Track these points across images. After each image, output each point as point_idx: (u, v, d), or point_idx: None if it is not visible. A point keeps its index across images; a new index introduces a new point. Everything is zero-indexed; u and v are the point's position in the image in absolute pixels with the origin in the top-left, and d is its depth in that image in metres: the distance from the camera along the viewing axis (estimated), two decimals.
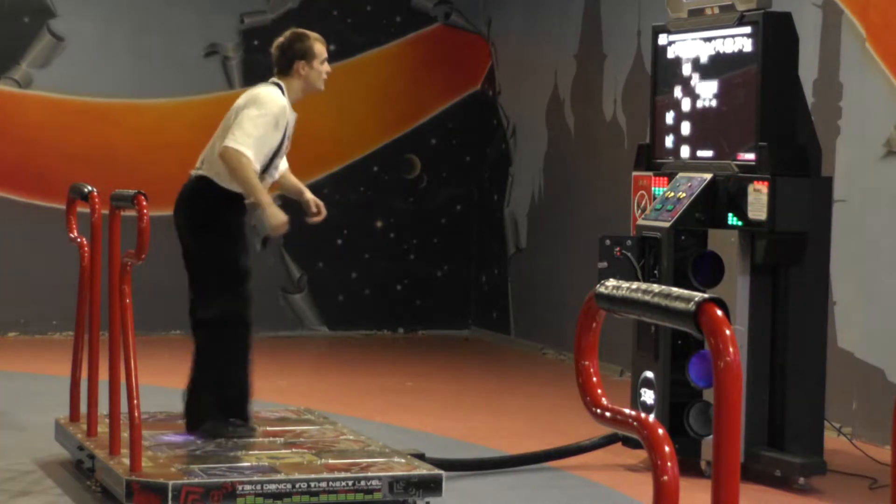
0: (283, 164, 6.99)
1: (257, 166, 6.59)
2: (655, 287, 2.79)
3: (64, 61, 11.63)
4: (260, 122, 6.58)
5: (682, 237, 6.99)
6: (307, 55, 6.79)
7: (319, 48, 6.83)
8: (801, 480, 6.76)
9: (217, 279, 6.70)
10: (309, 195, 7.01)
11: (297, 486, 5.86)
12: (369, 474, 6.00)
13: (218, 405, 6.72)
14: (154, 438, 6.58)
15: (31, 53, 11.59)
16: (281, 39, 6.89)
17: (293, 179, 7.14)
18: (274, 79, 6.83)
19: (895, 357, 7.79)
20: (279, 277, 12.09)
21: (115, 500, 6.07)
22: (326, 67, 6.87)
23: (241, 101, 6.76)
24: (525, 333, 11.78)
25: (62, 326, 11.33)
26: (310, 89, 6.84)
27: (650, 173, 7.48)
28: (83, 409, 6.94)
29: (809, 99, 7.88)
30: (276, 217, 6.61)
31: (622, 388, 7.64)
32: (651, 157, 7.54)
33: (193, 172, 6.81)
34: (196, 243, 6.76)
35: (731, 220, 6.93)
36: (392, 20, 12.42)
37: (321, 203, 7.00)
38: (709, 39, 7.20)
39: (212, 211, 6.72)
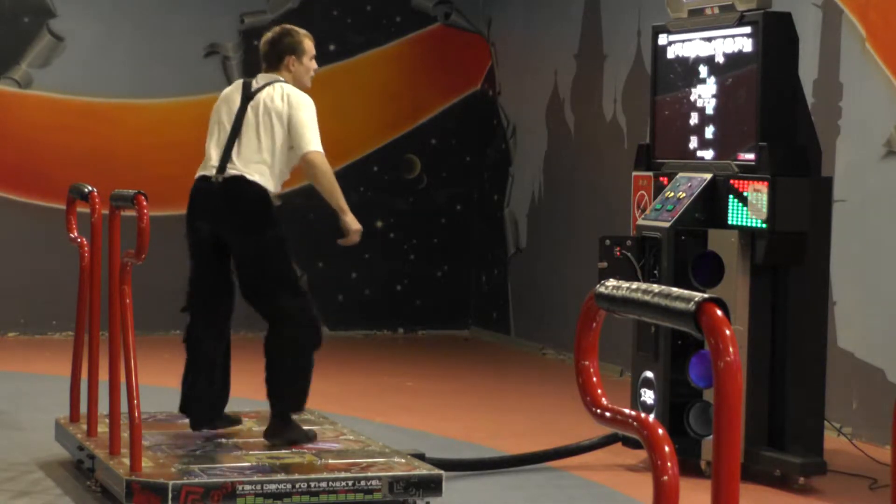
0: None
1: (293, 160, 6.66)
2: (655, 287, 2.79)
3: (64, 61, 11.63)
4: (314, 117, 6.64)
5: (682, 237, 6.99)
6: (297, 51, 6.79)
7: (308, 44, 6.84)
8: (801, 480, 6.77)
9: (288, 279, 6.64)
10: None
11: (297, 486, 5.86)
12: (369, 474, 6.00)
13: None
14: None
15: (31, 53, 11.59)
16: (270, 34, 6.88)
17: None
18: (277, 77, 6.75)
19: (895, 357, 7.79)
20: None
21: (115, 500, 6.07)
22: (314, 64, 6.88)
23: (280, 105, 6.63)
24: (525, 333, 11.78)
25: (62, 326, 11.33)
26: (297, 86, 6.78)
27: (650, 173, 7.48)
28: (83, 409, 6.93)
29: (809, 99, 7.88)
30: (356, 223, 6.69)
31: (622, 388, 7.64)
32: (651, 157, 7.54)
33: (221, 176, 6.61)
34: (257, 246, 6.60)
35: (731, 220, 6.94)
36: (392, 20, 12.42)
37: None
38: (709, 39, 7.20)
39: (265, 211, 6.64)
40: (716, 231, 6.97)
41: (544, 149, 11.55)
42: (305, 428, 6.68)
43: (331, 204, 6.67)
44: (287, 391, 6.61)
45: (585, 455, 7.24)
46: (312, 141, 6.59)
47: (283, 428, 6.58)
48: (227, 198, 6.59)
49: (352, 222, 6.67)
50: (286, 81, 6.75)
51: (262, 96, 6.67)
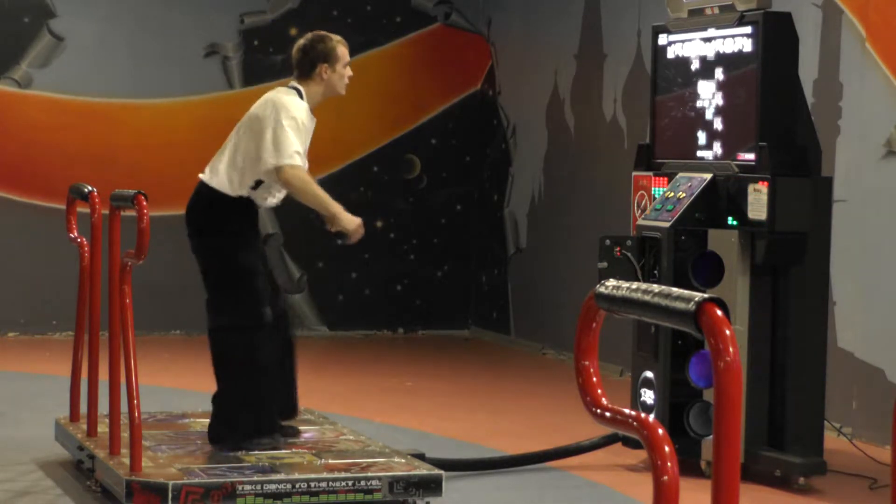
0: None
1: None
2: (655, 287, 2.79)
3: (64, 61, 11.63)
4: (294, 130, 6.38)
5: (682, 237, 6.99)
6: (330, 58, 6.55)
7: (343, 51, 6.60)
8: (801, 480, 6.77)
9: (229, 284, 6.54)
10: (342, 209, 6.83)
11: (297, 486, 5.86)
12: (369, 474, 6.00)
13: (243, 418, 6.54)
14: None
15: (31, 53, 11.59)
16: (302, 41, 6.65)
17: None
18: (293, 83, 6.61)
19: (895, 357, 7.79)
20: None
21: (115, 500, 6.07)
22: (349, 71, 6.63)
23: (261, 110, 6.51)
24: (525, 333, 11.78)
25: (62, 326, 11.33)
26: (330, 93, 6.62)
27: (650, 173, 7.48)
28: (83, 409, 6.94)
29: (809, 99, 7.88)
30: (352, 222, 6.48)
31: (622, 388, 7.63)
32: (651, 157, 7.54)
33: (201, 176, 6.63)
34: (205, 249, 6.59)
35: (731, 220, 6.93)
36: (392, 20, 12.42)
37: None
38: (709, 39, 7.20)
39: (220, 217, 6.54)
40: (716, 231, 6.97)
41: (544, 149, 11.55)
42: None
43: (321, 213, 6.56)
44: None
45: (585, 455, 7.24)
46: (280, 154, 6.35)
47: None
48: (189, 204, 6.63)
49: (348, 222, 6.48)
50: (314, 90, 6.58)
51: (257, 102, 6.63)
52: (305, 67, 6.59)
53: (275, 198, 6.62)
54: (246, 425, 6.48)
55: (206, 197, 6.55)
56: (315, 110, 6.63)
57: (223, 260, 6.55)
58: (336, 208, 6.48)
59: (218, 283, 6.58)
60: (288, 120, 6.39)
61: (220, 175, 6.53)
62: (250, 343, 6.46)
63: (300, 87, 6.58)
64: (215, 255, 6.57)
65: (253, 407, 6.50)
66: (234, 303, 6.52)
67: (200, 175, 6.62)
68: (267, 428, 6.53)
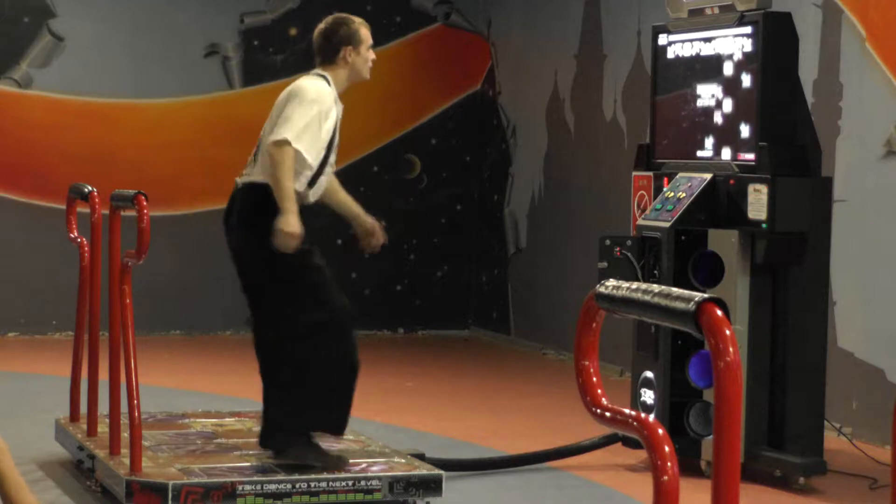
0: (329, 176, 6.37)
1: (312, 161, 6.10)
2: (655, 287, 2.79)
3: (64, 61, 11.63)
4: (308, 112, 6.06)
5: (682, 237, 6.99)
6: (353, 40, 6.29)
7: (365, 33, 6.36)
8: (801, 480, 6.77)
9: (290, 287, 6.19)
10: (367, 219, 6.55)
11: (297, 486, 5.86)
12: (369, 474, 6.00)
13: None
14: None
15: (31, 53, 11.59)
16: (323, 26, 6.37)
17: (344, 197, 6.59)
18: (317, 70, 6.32)
19: (895, 357, 7.79)
20: None
21: (115, 500, 6.07)
22: (372, 54, 6.41)
23: (282, 95, 6.22)
24: (525, 333, 11.78)
25: (62, 326, 11.33)
26: (355, 78, 6.35)
27: (650, 173, 7.48)
28: (83, 409, 6.94)
29: (809, 99, 7.88)
30: (289, 224, 5.95)
31: (622, 388, 7.63)
32: (651, 157, 7.54)
33: (240, 180, 6.25)
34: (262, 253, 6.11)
35: (731, 220, 6.94)
36: (392, 20, 12.42)
37: (377, 226, 6.57)
38: (709, 39, 7.20)
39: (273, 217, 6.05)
40: (716, 231, 6.97)
41: (544, 149, 11.54)
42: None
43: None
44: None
45: (585, 455, 7.24)
46: (287, 131, 6.01)
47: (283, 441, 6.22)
48: (233, 209, 6.28)
49: (283, 224, 5.94)
50: (341, 75, 6.29)
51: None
52: (329, 52, 6.31)
53: (325, 177, 6.28)
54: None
55: (252, 196, 6.17)
56: None
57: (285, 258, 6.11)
58: (288, 206, 5.98)
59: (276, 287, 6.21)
60: (300, 101, 6.09)
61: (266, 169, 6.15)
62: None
63: (326, 75, 6.28)
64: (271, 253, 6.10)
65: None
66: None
67: (237, 178, 6.29)
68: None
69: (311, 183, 6.20)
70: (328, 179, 6.32)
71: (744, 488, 2.73)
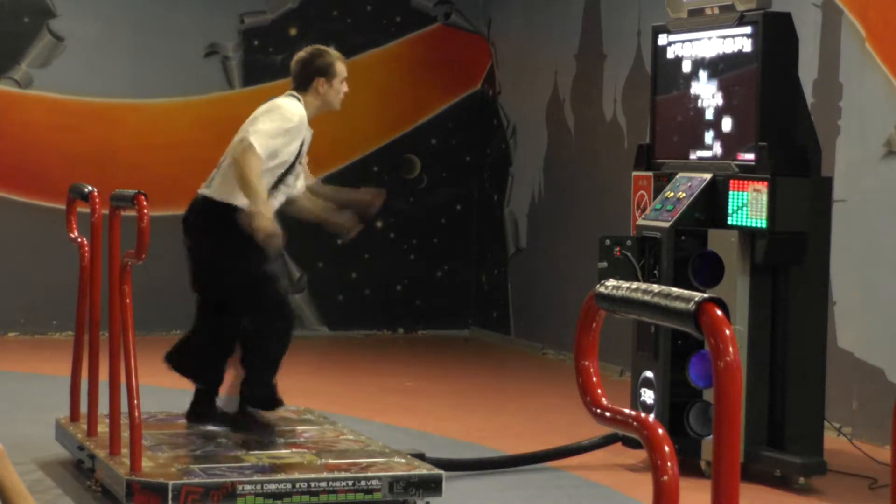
0: (299, 186, 6.76)
1: (267, 175, 6.41)
2: (655, 287, 2.79)
3: (64, 61, 11.63)
4: (275, 126, 6.40)
5: (682, 237, 6.99)
6: (328, 73, 6.63)
7: (341, 67, 6.67)
8: (801, 480, 6.77)
9: (251, 288, 6.63)
10: (363, 195, 7.12)
11: (297, 486, 5.86)
12: (369, 474, 6.00)
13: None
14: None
15: (31, 53, 11.59)
16: (302, 54, 6.73)
17: (329, 192, 7.08)
18: (292, 92, 6.68)
19: (895, 357, 7.79)
20: None
21: (115, 500, 6.07)
22: (345, 87, 6.71)
23: (258, 110, 6.58)
24: (525, 333, 11.78)
25: (62, 326, 11.33)
26: (325, 108, 6.69)
27: (650, 173, 7.48)
28: (83, 409, 6.94)
29: (809, 99, 7.88)
30: (268, 227, 6.31)
31: (622, 388, 7.63)
32: (651, 157, 7.54)
33: (200, 191, 6.67)
34: (223, 258, 6.61)
35: (731, 220, 6.94)
36: (392, 20, 12.42)
37: (375, 191, 7.20)
38: (709, 39, 7.20)
39: (228, 227, 6.50)
40: (716, 231, 6.97)
41: (544, 149, 11.55)
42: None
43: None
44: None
45: (585, 455, 7.24)
46: (255, 137, 6.34)
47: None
48: (190, 216, 6.81)
49: (258, 218, 6.29)
50: (311, 103, 6.62)
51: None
52: (303, 80, 6.66)
53: (276, 199, 6.60)
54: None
55: (207, 209, 6.65)
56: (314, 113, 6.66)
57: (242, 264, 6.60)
58: (261, 207, 6.29)
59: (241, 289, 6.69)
60: (270, 117, 6.45)
61: (225, 186, 6.57)
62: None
63: (300, 98, 6.64)
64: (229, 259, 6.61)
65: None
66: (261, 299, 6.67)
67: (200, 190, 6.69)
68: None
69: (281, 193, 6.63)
70: (282, 197, 6.63)
71: (744, 488, 2.73)
